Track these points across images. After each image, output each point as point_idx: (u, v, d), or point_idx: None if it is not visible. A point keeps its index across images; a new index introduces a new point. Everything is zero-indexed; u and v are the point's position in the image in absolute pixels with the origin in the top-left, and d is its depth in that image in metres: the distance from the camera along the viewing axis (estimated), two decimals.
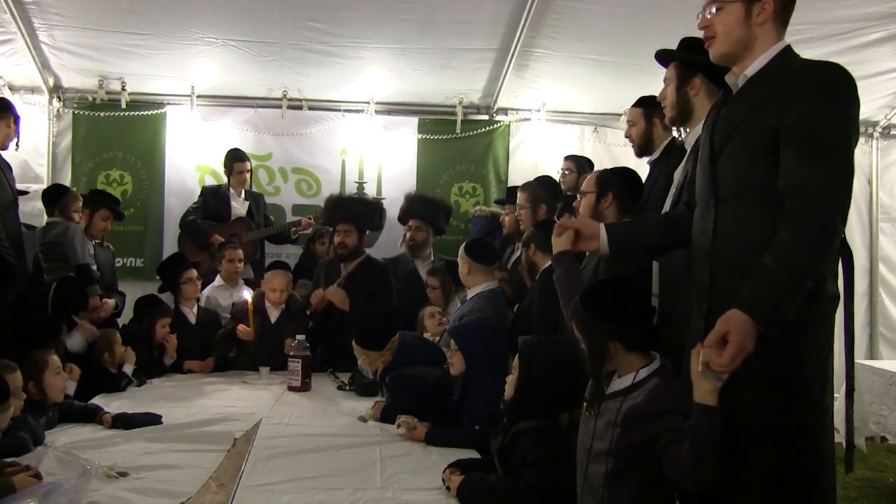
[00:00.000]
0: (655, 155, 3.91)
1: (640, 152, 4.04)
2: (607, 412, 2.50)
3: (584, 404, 2.61)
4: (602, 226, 2.87)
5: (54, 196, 5.61)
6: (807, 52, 2.43)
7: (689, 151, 3.15)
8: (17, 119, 5.34)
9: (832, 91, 2.26)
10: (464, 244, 4.87)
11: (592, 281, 3.34)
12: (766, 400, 2.27)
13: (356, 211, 5.93)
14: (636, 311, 2.54)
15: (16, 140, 5.37)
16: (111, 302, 5.47)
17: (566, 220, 3.08)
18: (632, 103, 4.12)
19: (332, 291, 5.67)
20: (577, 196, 3.87)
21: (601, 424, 2.51)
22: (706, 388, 2.20)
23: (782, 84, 2.32)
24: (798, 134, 2.23)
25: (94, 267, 5.58)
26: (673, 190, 3.25)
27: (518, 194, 5.29)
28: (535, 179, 5.55)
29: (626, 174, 3.81)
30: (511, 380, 3.06)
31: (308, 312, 5.71)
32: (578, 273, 3.02)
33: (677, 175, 3.26)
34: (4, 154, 5.33)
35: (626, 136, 4.16)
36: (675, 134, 3.86)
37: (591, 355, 2.50)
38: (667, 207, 3.23)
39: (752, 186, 2.35)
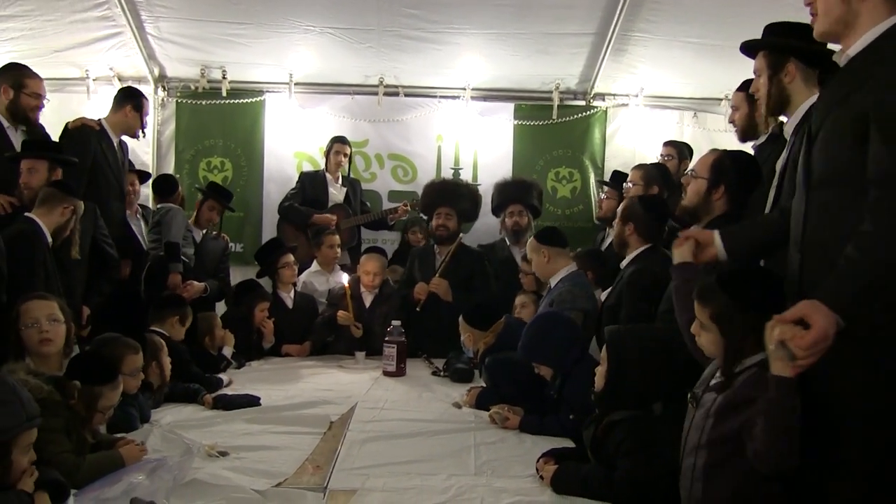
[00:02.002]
0: (761, 139, 3.75)
1: (743, 137, 3.90)
2: (705, 403, 2.45)
3: (689, 396, 2.55)
4: (716, 233, 2.80)
5: (163, 186, 5.84)
6: None
7: (788, 140, 3.01)
8: (136, 107, 5.42)
9: None
10: (532, 238, 4.86)
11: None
12: (859, 382, 2.13)
13: (459, 196, 5.97)
14: (779, 304, 2.30)
15: (140, 130, 5.50)
16: (198, 285, 5.56)
17: (686, 231, 2.98)
18: (733, 87, 3.98)
19: (435, 283, 5.67)
20: (688, 173, 3.63)
21: (699, 416, 2.46)
22: (780, 363, 2.09)
23: (880, 64, 2.15)
24: (884, 116, 2.08)
25: (192, 251, 5.74)
26: (775, 181, 3.10)
27: (631, 172, 5.19)
28: (650, 164, 5.48)
29: (746, 164, 3.47)
30: (600, 371, 3.01)
31: (418, 309, 5.69)
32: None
33: (778, 165, 3.12)
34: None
35: (730, 122, 4.03)
36: (782, 118, 3.70)
37: (729, 349, 2.40)
38: (770, 197, 3.09)
39: (844, 173, 2.21)
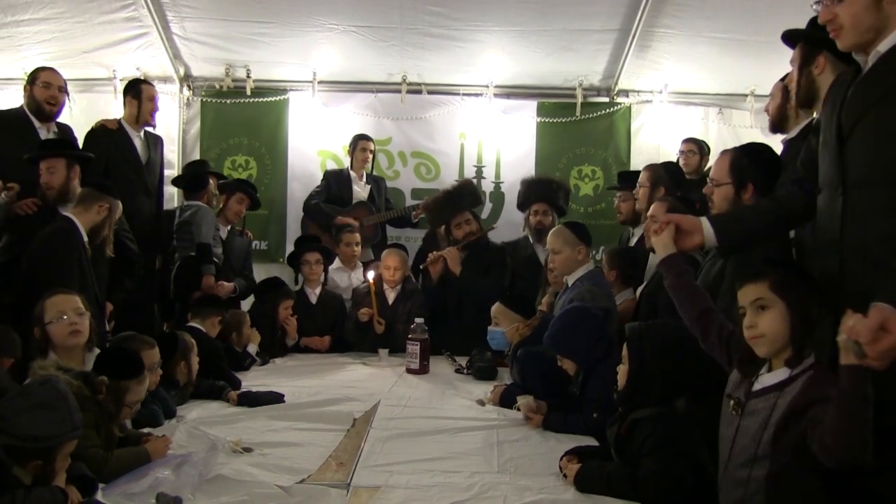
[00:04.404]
0: (792, 134, 3.71)
1: (773, 129, 3.87)
2: (758, 411, 2.33)
3: (731, 401, 2.44)
4: (704, 219, 2.73)
5: (199, 182, 5.85)
6: None
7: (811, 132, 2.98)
8: (135, 95, 5.62)
9: None
10: (566, 229, 4.75)
11: (715, 282, 3.19)
12: None
13: (463, 199, 5.94)
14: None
15: (142, 114, 5.64)
16: (228, 285, 5.57)
17: (664, 216, 2.89)
18: (759, 83, 3.96)
19: (449, 250, 5.71)
20: (708, 181, 3.53)
21: (752, 424, 2.34)
22: (851, 355, 1.96)
23: None
24: None
25: (220, 250, 5.74)
26: None
27: (641, 173, 5.17)
28: (661, 163, 5.42)
29: (762, 154, 3.46)
30: (623, 369, 2.98)
31: (420, 267, 5.80)
32: (692, 276, 2.84)
33: None
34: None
35: (765, 110, 4.01)
36: (815, 115, 3.66)
37: (798, 319, 2.29)
38: None
39: (888, 171, 2.17)
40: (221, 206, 5.98)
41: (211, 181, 5.91)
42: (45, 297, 3.49)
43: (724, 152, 3.54)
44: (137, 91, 5.63)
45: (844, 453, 2.02)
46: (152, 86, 5.84)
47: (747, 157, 3.34)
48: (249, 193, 6.04)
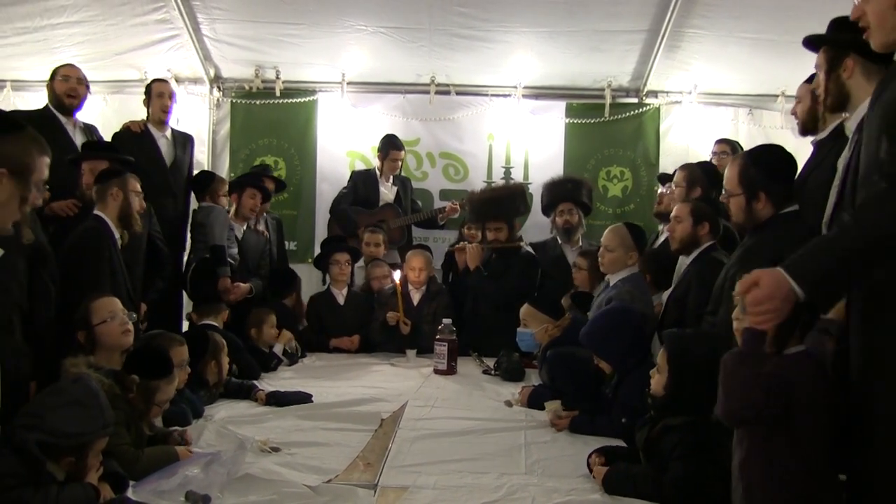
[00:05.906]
0: (823, 135, 3.65)
1: (804, 131, 3.80)
2: None
3: None
4: (782, 272, 2.13)
5: (203, 183, 5.86)
6: None
7: (850, 138, 2.93)
8: (146, 94, 5.77)
9: None
10: (626, 232, 4.69)
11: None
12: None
13: (502, 206, 5.88)
14: None
15: (151, 111, 5.75)
16: (244, 286, 5.55)
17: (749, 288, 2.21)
18: (790, 83, 3.90)
19: (474, 245, 5.74)
20: (723, 191, 3.47)
21: None
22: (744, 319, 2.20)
23: None
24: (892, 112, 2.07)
25: (235, 250, 5.72)
26: (837, 181, 3.00)
27: (676, 173, 5.13)
28: (697, 163, 5.36)
29: (772, 159, 3.36)
30: (659, 378, 2.94)
31: (448, 248, 5.88)
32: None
33: (840, 163, 3.03)
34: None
35: (792, 113, 3.95)
36: (846, 115, 3.61)
37: (783, 325, 2.21)
38: (832, 196, 3.00)
39: (874, 174, 2.16)
40: (234, 205, 5.89)
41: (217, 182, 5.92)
42: (89, 301, 3.47)
43: (734, 159, 3.50)
44: (148, 90, 5.75)
45: (732, 411, 2.24)
46: (164, 82, 5.92)
47: (755, 166, 3.30)
48: (260, 186, 5.96)
